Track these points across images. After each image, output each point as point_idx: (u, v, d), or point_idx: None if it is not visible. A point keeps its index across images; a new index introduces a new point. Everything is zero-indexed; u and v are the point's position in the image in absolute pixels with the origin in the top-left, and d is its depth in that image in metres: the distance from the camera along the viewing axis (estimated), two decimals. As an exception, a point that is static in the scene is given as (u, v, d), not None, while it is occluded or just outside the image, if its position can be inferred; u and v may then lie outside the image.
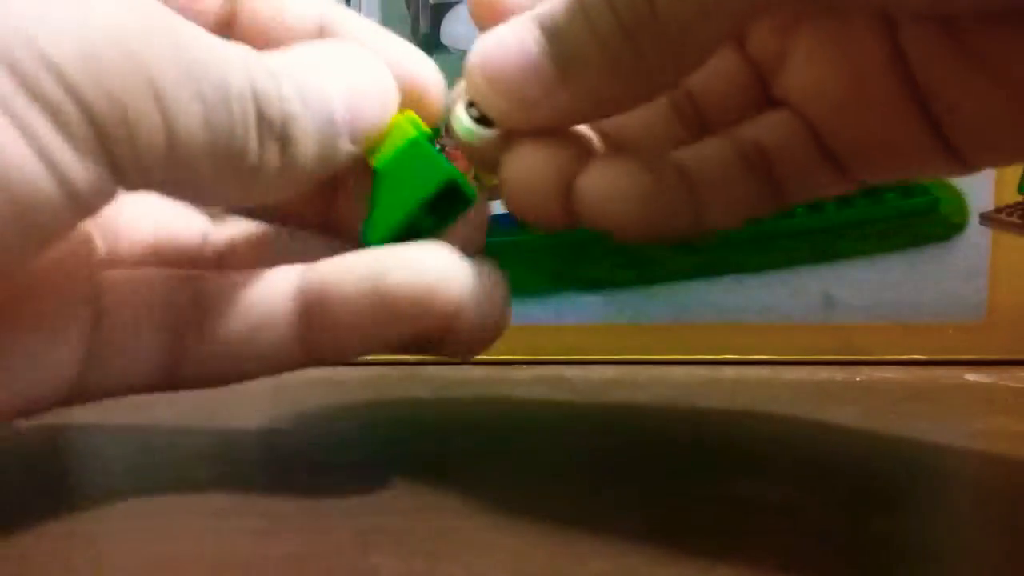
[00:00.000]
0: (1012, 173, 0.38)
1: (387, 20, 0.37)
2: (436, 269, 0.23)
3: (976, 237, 0.38)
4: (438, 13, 0.37)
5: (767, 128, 0.26)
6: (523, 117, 0.23)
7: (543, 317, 0.38)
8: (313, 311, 0.24)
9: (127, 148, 0.20)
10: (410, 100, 0.25)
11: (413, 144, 0.24)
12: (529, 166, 0.24)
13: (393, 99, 0.24)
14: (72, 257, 0.25)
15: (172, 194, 0.23)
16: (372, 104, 0.24)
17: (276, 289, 0.24)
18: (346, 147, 0.23)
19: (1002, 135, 0.24)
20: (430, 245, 0.24)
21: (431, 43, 0.37)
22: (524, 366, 0.37)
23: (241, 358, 0.24)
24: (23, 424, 0.28)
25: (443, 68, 0.37)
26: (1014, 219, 0.38)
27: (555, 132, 0.24)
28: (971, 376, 0.36)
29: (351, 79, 0.24)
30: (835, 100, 0.25)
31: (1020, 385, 0.35)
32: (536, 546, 0.22)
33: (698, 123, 0.27)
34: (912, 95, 0.24)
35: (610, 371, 0.37)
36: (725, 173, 0.25)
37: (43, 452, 0.29)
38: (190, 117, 0.21)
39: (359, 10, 0.37)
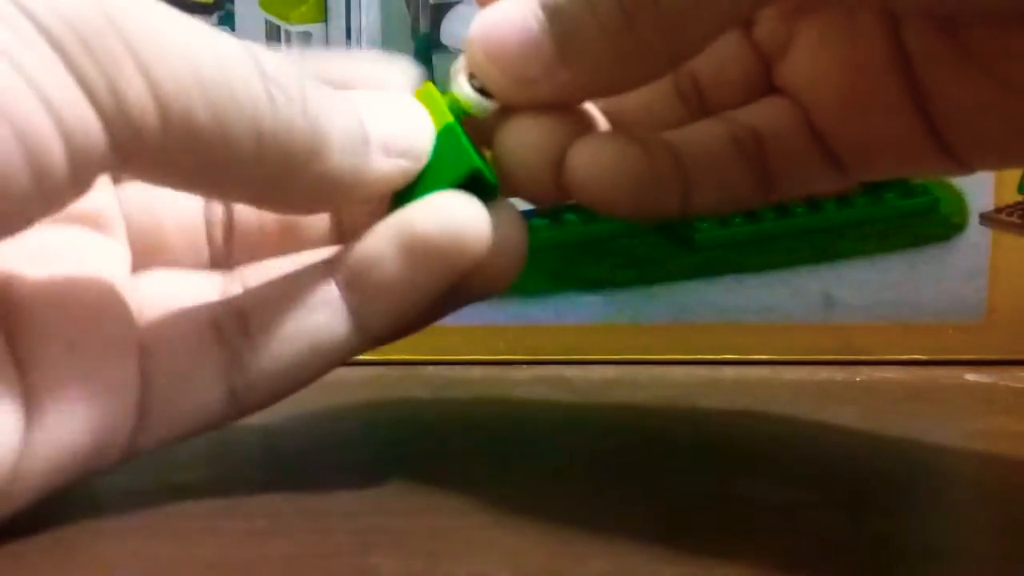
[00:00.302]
0: (1012, 173, 0.38)
1: (387, 20, 0.37)
2: (460, 210, 0.24)
3: (976, 237, 0.38)
4: (438, 13, 0.37)
5: (764, 115, 0.26)
6: (522, 93, 0.24)
7: (543, 317, 0.38)
8: (355, 284, 0.24)
9: (119, 116, 0.20)
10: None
11: (446, 130, 0.24)
12: (522, 138, 0.24)
13: (425, 139, 0.24)
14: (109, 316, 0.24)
15: (197, 183, 0.22)
16: (402, 140, 0.24)
17: (315, 273, 0.24)
18: (379, 160, 0.23)
19: (1001, 137, 0.25)
20: (447, 193, 0.24)
21: (431, 43, 0.37)
22: (524, 366, 0.37)
23: (299, 354, 0.24)
24: None
25: (443, 68, 0.37)
26: (1014, 219, 0.38)
27: (553, 107, 0.24)
28: (971, 376, 0.36)
29: (380, 110, 0.24)
30: (835, 91, 0.25)
31: (1020, 385, 0.35)
32: (536, 546, 0.22)
33: (700, 106, 0.27)
34: (911, 92, 0.24)
35: (610, 371, 0.37)
36: (716, 157, 0.25)
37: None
38: (179, 80, 0.21)
39: (359, 10, 0.37)
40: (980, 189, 0.38)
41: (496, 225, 0.24)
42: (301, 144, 0.22)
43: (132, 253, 0.26)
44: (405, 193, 0.24)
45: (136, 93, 0.20)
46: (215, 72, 0.21)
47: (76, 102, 0.20)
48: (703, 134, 0.26)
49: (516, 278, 0.25)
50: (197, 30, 0.21)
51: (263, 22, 0.37)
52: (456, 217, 0.23)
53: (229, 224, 0.27)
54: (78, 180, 0.20)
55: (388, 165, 0.24)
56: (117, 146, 0.20)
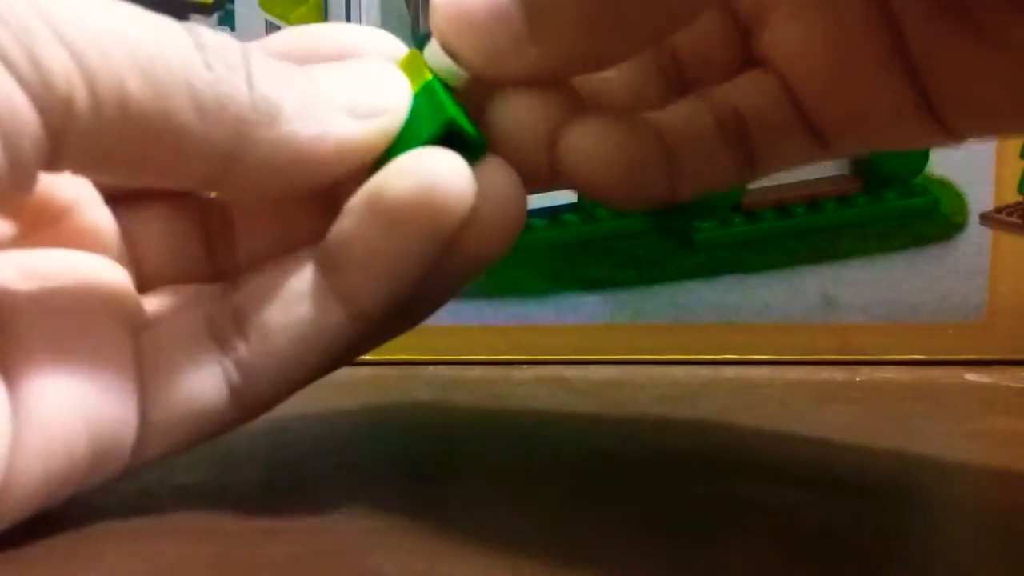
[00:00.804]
0: (1012, 173, 0.38)
1: (387, 20, 0.37)
2: (433, 165, 0.22)
3: (976, 237, 0.38)
4: (438, 13, 0.37)
5: (746, 92, 0.25)
6: (492, 68, 0.23)
7: (543, 317, 0.38)
8: (333, 265, 0.23)
9: (44, 90, 0.19)
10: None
11: (425, 89, 0.23)
12: (513, 117, 0.23)
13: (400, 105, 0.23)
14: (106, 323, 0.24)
15: (143, 167, 0.22)
16: (366, 101, 0.23)
17: (297, 261, 0.23)
18: (343, 122, 0.22)
19: (991, 101, 0.23)
20: (428, 149, 0.22)
21: (431, 43, 0.37)
22: (524, 366, 0.37)
23: (293, 346, 0.23)
24: None
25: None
26: (1014, 219, 0.38)
27: (541, 84, 0.23)
28: (971, 376, 0.36)
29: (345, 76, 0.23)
30: (818, 61, 0.24)
31: (1020, 385, 0.35)
32: (536, 546, 0.22)
33: (680, 81, 0.26)
34: (899, 57, 0.23)
35: (610, 371, 0.37)
36: (700, 139, 0.24)
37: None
38: (106, 51, 0.20)
39: (359, 10, 0.37)
40: (980, 189, 0.38)
41: (484, 179, 0.22)
42: (248, 112, 0.21)
43: (135, 269, 0.26)
44: (382, 161, 0.23)
45: (60, 64, 0.19)
46: (144, 42, 0.20)
47: (2, 81, 0.19)
48: (686, 115, 0.25)
49: (514, 237, 0.23)
50: (121, 6, 0.21)
51: (263, 22, 0.37)
52: (429, 172, 0.22)
53: (230, 235, 0.27)
54: (16, 175, 0.20)
55: (355, 126, 0.22)
56: (50, 127, 0.20)
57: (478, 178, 0.22)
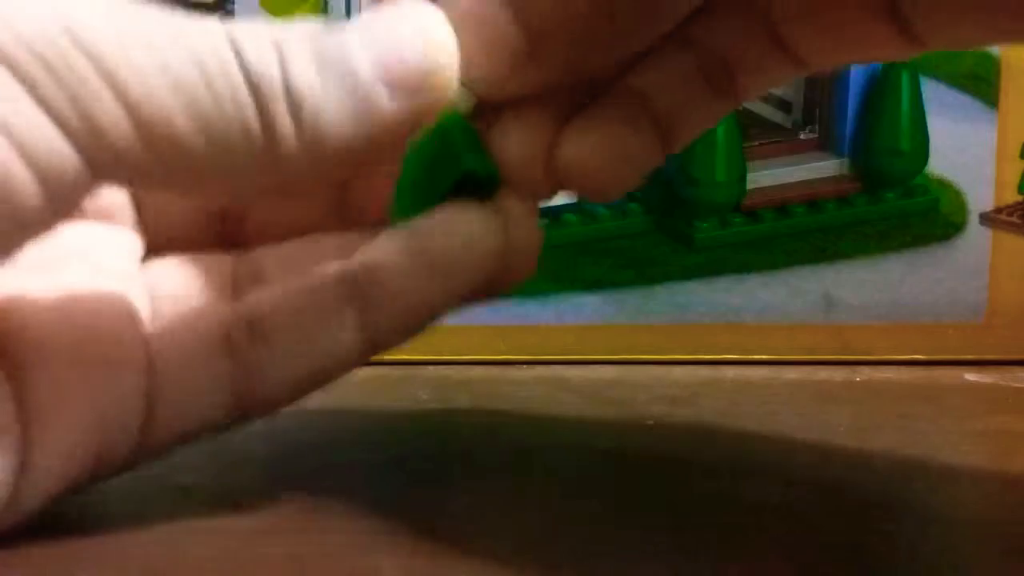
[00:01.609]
0: (1012, 173, 0.38)
1: (387, 20, 0.37)
2: (477, 226, 0.23)
3: (976, 237, 0.38)
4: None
5: (720, 27, 0.24)
6: (495, 90, 0.23)
7: (543, 317, 0.38)
8: (365, 293, 0.23)
9: (94, 141, 0.20)
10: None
11: (443, 126, 0.23)
12: (507, 140, 0.23)
13: (439, 42, 0.22)
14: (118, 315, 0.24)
15: (187, 186, 0.22)
16: (409, 50, 0.22)
17: (326, 287, 0.24)
18: (387, 105, 0.21)
19: (964, 6, 0.23)
20: (458, 206, 0.23)
21: (431, 43, 0.37)
22: (524, 366, 0.37)
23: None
24: None
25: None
26: (1014, 219, 0.38)
27: (535, 96, 0.23)
28: (971, 376, 0.36)
29: (379, 27, 0.22)
30: None
31: (1020, 385, 0.35)
32: (536, 546, 0.22)
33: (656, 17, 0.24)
34: None
35: (610, 371, 0.37)
36: (687, 92, 0.24)
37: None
38: (154, 93, 0.20)
39: (359, 10, 0.37)
40: (980, 189, 0.38)
41: (508, 225, 0.23)
42: (287, 127, 0.21)
43: (145, 235, 0.26)
44: (408, 189, 0.24)
45: (111, 116, 0.20)
46: (192, 76, 0.20)
47: (45, 134, 0.19)
48: (669, 71, 0.24)
49: (531, 275, 0.24)
50: (167, 31, 0.20)
51: (263, 22, 0.37)
52: (473, 234, 0.23)
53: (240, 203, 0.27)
54: (56, 208, 0.20)
55: (392, 110, 0.21)
56: (96, 168, 0.20)
57: (505, 224, 0.23)
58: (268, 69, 0.21)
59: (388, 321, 0.23)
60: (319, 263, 0.24)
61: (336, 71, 0.21)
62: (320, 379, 0.24)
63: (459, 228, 0.23)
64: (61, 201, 0.20)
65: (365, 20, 0.22)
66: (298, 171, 0.21)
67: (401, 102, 0.22)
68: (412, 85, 0.22)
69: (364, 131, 0.21)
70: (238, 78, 0.21)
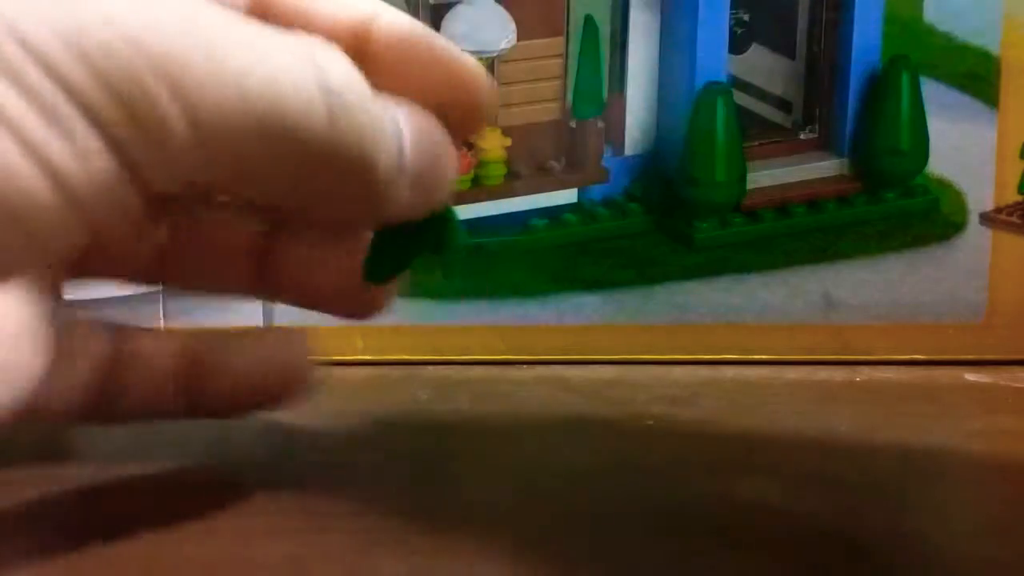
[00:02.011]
0: (1012, 173, 0.38)
1: (387, 20, 0.37)
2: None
3: (976, 237, 0.38)
4: (438, 13, 0.37)
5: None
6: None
7: (543, 317, 0.38)
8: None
9: (165, 179, 0.19)
10: (455, 105, 0.24)
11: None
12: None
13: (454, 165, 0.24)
14: None
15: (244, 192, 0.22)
16: (444, 166, 0.23)
17: None
18: (402, 189, 0.22)
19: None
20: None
21: (431, 43, 0.37)
22: (524, 366, 0.37)
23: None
24: None
25: (443, 68, 0.37)
26: (1014, 219, 0.38)
27: None
28: (971, 376, 0.36)
29: (419, 123, 0.23)
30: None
31: (1020, 385, 0.35)
32: (536, 546, 0.22)
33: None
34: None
35: (610, 371, 0.37)
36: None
37: (41, 453, 0.29)
38: (235, 138, 0.19)
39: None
40: (980, 189, 0.38)
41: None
42: (347, 163, 0.21)
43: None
44: (381, 249, 0.25)
45: (187, 155, 0.19)
46: (273, 107, 0.19)
47: (112, 181, 0.18)
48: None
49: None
50: (256, 50, 0.20)
51: (263, 22, 0.37)
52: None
53: None
54: (121, 232, 0.20)
55: (407, 201, 0.22)
56: (158, 199, 0.20)
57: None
58: (351, 103, 0.21)
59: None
60: None
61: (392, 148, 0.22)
62: None
63: None
64: (95, 212, 0.19)
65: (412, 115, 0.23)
66: (347, 192, 0.22)
67: (410, 194, 0.22)
68: (430, 194, 0.23)
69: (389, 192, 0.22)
70: (321, 108, 0.20)
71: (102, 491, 0.24)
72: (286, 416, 0.29)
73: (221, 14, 0.20)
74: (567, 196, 0.38)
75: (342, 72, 0.21)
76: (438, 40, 0.24)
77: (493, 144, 0.38)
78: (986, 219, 0.38)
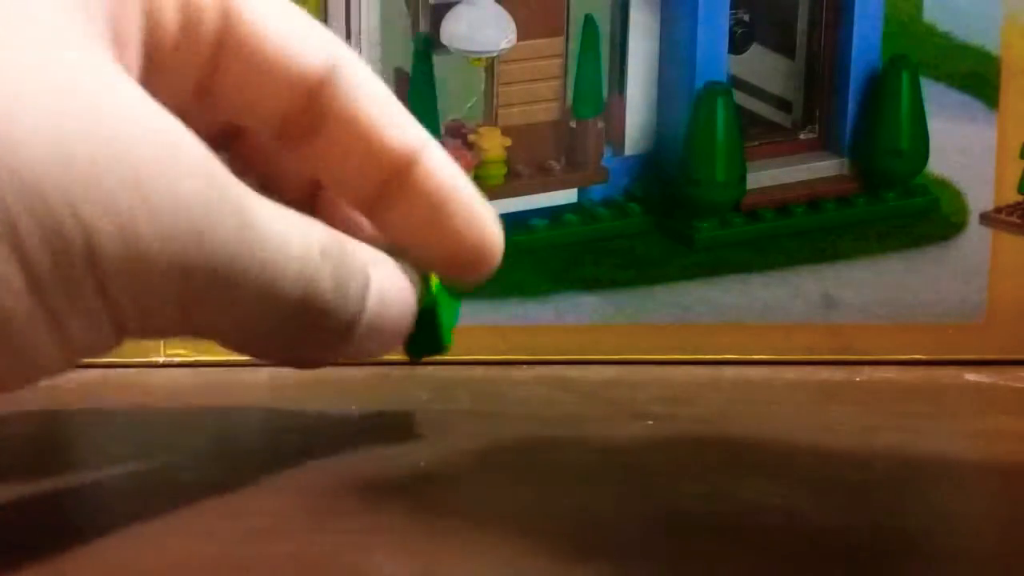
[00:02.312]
0: (1012, 173, 0.38)
1: (387, 20, 0.37)
2: None
3: (976, 237, 0.38)
4: (438, 13, 0.37)
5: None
6: None
7: (543, 317, 0.38)
8: None
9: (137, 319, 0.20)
10: (464, 263, 0.27)
11: (428, 308, 0.27)
12: None
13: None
14: None
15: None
16: (401, 326, 0.25)
17: None
18: (356, 332, 0.24)
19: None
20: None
21: (431, 43, 0.37)
22: (524, 366, 0.37)
23: None
24: None
25: (443, 68, 0.37)
26: (1014, 219, 0.38)
27: None
28: (971, 376, 0.36)
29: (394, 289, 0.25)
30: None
31: (1020, 385, 0.35)
32: (536, 546, 0.22)
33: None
34: None
35: (610, 371, 0.37)
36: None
37: (40, 452, 0.29)
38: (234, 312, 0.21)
39: (359, 10, 0.37)
40: (980, 189, 0.38)
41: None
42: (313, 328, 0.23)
43: None
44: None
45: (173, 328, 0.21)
46: (272, 290, 0.21)
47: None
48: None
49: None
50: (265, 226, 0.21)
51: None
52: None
53: None
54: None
55: (365, 345, 0.25)
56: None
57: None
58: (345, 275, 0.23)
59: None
60: None
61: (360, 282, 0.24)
62: None
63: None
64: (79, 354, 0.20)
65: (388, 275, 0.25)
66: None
67: (365, 339, 0.24)
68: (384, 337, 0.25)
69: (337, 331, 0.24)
70: (320, 284, 0.22)
71: (101, 490, 0.24)
72: (285, 416, 0.29)
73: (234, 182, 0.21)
74: (567, 196, 0.38)
75: (333, 246, 0.23)
76: (476, 198, 0.26)
77: (493, 144, 0.38)
78: (986, 219, 0.38)
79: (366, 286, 0.24)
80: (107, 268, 0.19)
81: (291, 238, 0.22)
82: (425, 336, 0.27)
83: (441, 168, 0.25)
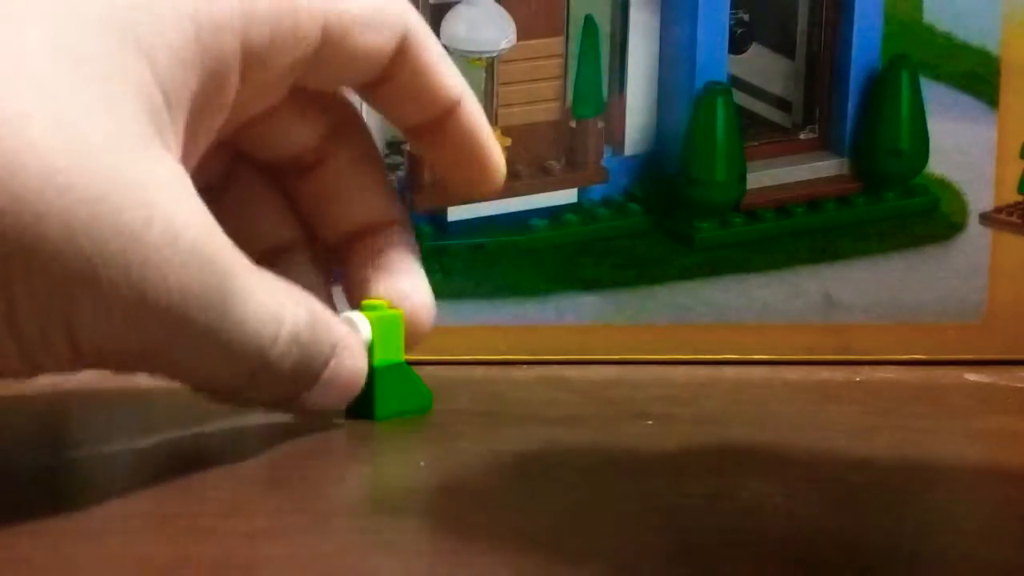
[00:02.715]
0: (1012, 173, 0.38)
1: (387, 20, 0.37)
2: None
3: (976, 237, 0.38)
4: (438, 13, 0.37)
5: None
6: None
7: (543, 317, 0.38)
8: None
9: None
10: (475, 180, 0.31)
11: (401, 366, 0.31)
12: None
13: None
14: None
15: None
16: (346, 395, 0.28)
17: None
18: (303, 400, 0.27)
19: None
20: None
21: (431, 43, 0.37)
22: (524, 366, 0.37)
23: None
24: None
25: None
26: (1014, 219, 0.38)
27: None
28: (971, 376, 0.36)
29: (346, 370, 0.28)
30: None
31: (1020, 385, 0.35)
32: (536, 546, 0.22)
33: None
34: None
35: (610, 371, 0.37)
36: None
37: (40, 453, 0.29)
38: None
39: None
40: (980, 189, 0.38)
41: None
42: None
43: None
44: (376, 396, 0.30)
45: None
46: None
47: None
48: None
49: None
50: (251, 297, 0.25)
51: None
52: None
53: None
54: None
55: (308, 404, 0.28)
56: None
57: None
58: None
59: None
60: None
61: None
62: None
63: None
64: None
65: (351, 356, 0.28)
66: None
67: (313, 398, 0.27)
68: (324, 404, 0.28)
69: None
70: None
71: (102, 491, 0.24)
72: (285, 416, 0.29)
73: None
74: (567, 196, 0.38)
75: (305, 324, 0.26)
76: (491, 135, 0.31)
77: (493, 144, 0.38)
78: (986, 219, 0.38)
79: (325, 365, 0.27)
80: (81, 336, 0.22)
81: (266, 324, 0.25)
82: (361, 402, 0.29)
83: (475, 110, 0.30)
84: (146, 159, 0.23)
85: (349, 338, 0.28)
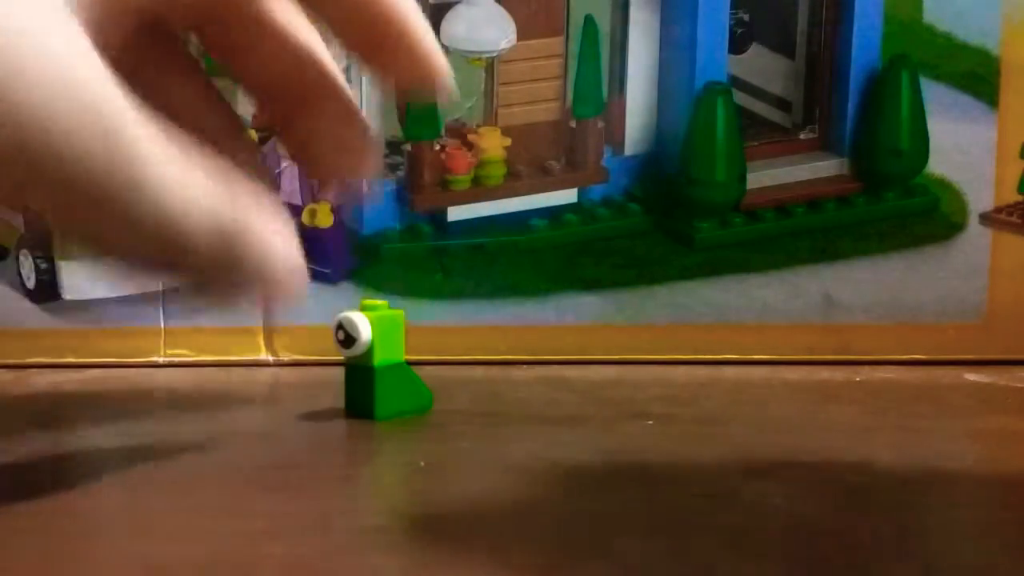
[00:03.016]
0: (1012, 173, 0.38)
1: (387, 20, 0.37)
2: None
3: (976, 237, 0.38)
4: (438, 13, 0.37)
5: None
6: None
7: (543, 317, 0.38)
8: None
9: None
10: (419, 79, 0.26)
11: (401, 366, 0.31)
12: None
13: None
14: None
15: None
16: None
17: None
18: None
19: None
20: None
21: (431, 43, 0.37)
22: (524, 366, 0.37)
23: None
24: None
25: (443, 68, 0.37)
26: (1014, 219, 0.38)
27: None
28: (971, 376, 0.36)
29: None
30: None
31: (1020, 385, 0.35)
32: (536, 546, 0.22)
33: None
34: None
35: (610, 371, 0.37)
36: None
37: (40, 452, 0.29)
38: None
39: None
40: (980, 189, 0.38)
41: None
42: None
43: None
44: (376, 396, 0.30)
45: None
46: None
47: None
48: None
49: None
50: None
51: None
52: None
53: None
54: None
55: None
56: None
57: None
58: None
59: None
60: None
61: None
62: None
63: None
64: None
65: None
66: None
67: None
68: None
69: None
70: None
71: (102, 491, 0.24)
72: (285, 416, 0.29)
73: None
74: (567, 196, 0.38)
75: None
76: (430, 36, 0.25)
77: (493, 144, 0.38)
78: (986, 219, 0.38)
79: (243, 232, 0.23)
80: None
81: (191, 211, 0.21)
82: (361, 401, 0.30)
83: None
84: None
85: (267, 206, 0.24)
